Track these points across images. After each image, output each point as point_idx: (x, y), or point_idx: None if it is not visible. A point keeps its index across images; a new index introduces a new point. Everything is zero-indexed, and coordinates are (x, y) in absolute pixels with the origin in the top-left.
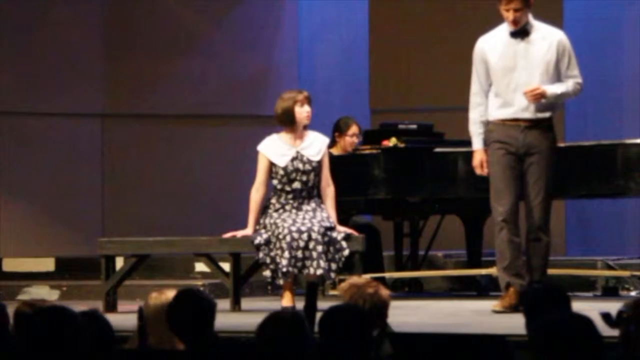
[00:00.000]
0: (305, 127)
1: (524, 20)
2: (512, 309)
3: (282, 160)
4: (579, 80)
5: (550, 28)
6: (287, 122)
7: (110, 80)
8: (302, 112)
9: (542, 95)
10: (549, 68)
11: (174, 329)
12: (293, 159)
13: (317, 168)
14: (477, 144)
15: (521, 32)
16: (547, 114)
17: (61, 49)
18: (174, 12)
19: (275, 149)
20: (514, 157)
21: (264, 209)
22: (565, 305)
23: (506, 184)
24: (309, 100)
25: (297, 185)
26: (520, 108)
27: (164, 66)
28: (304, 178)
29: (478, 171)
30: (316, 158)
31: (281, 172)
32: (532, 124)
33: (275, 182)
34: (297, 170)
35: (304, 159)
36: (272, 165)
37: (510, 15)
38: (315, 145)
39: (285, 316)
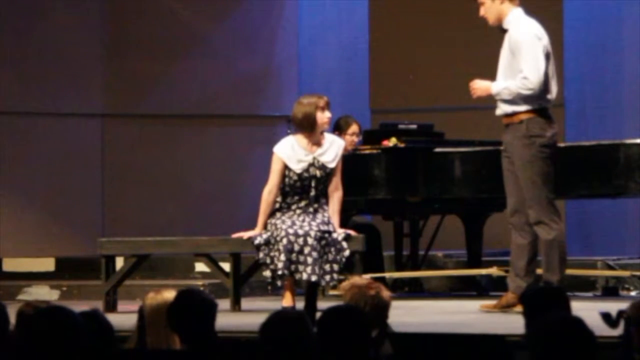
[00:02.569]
0: (322, 132)
1: (494, 16)
2: (500, 308)
3: (299, 166)
4: (524, 74)
5: (514, 25)
6: (307, 127)
7: (110, 80)
8: (324, 118)
9: (482, 90)
10: (505, 67)
11: (175, 329)
12: (309, 166)
13: (331, 174)
14: None
15: (503, 29)
16: (508, 110)
17: (61, 49)
18: (173, 12)
19: (292, 153)
20: (507, 160)
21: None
22: (563, 305)
23: (505, 187)
24: (329, 106)
25: (308, 190)
26: (497, 103)
27: (164, 66)
28: (317, 184)
29: None
30: (332, 165)
31: (295, 177)
32: (507, 123)
33: (286, 182)
34: (312, 177)
35: (320, 164)
36: (286, 168)
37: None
38: (332, 151)
39: (288, 315)
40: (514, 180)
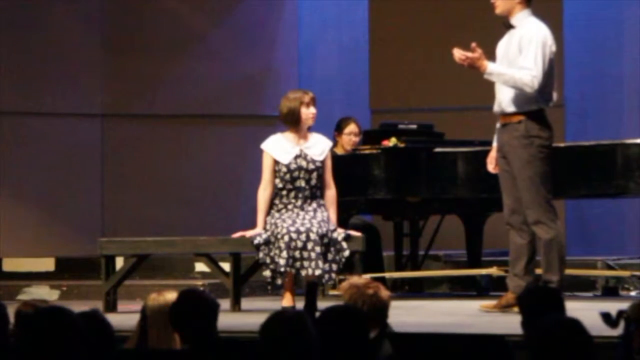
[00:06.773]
0: (309, 128)
1: (505, 7)
2: (500, 308)
3: (286, 157)
4: (534, 72)
5: (528, 24)
6: (291, 122)
7: (110, 80)
8: (308, 114)
9: (473, 60)
10: (510, 62)
11: (178, 329)
12: (296, 157)
13: (321, 168)
14: (494, 141)
15: (509, 25)
16: (508, 109)
17: (61, 49)
18: (174, 12)
19: (279, 147)
20: (504, 160)
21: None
22: (559, 306)
23: (502, 188)
24: (314, 102)
25: (300, 183)
26: (496, 101)
27: (164, 66)
28: (307, 177)
29: (488, 168)
30: (319, 158)
31: (284, 169)
32: (504, 123)
33: (278, 181)
34: (300, 168)
35: (308, 157)
36: (275, 163)
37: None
38: (318, 146)
39: (288, 315)
40: (510, 180)
